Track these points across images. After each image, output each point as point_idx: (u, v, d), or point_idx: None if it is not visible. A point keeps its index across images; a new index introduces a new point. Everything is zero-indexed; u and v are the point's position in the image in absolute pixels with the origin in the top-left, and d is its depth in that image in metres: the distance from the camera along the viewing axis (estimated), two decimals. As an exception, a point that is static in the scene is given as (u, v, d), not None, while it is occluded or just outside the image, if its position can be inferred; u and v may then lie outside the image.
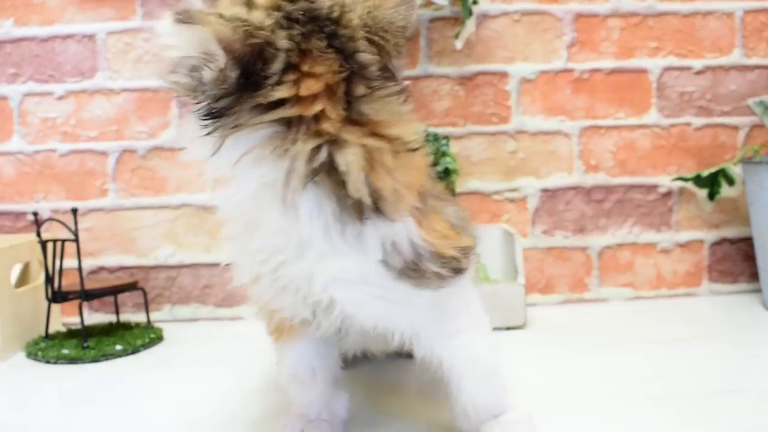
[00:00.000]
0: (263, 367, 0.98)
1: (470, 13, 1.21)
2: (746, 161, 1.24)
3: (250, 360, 1.02)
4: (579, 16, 1.30)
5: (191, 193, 1.29)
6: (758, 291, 1.29)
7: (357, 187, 0.53)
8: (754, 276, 1.33)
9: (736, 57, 1.33)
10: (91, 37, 1.28)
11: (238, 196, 0.56)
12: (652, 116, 1.32)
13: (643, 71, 1.32)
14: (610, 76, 1.31)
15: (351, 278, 0.57)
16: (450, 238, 0.61)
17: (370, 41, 0.55)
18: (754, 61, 1.33)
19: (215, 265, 1.29)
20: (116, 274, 1.29)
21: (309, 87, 0.52)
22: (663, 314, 1.24)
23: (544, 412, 0.74)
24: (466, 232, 0.64)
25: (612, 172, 1.32)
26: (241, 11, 0.52)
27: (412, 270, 0.59)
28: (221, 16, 0.51)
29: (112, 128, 1.29)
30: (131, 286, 1.18)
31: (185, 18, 0.51)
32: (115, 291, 1.16)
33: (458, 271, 0.62)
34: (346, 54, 0.54)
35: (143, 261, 1.30)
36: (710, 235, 1.35)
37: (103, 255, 1.29)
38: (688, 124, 1.33)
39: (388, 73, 0.57)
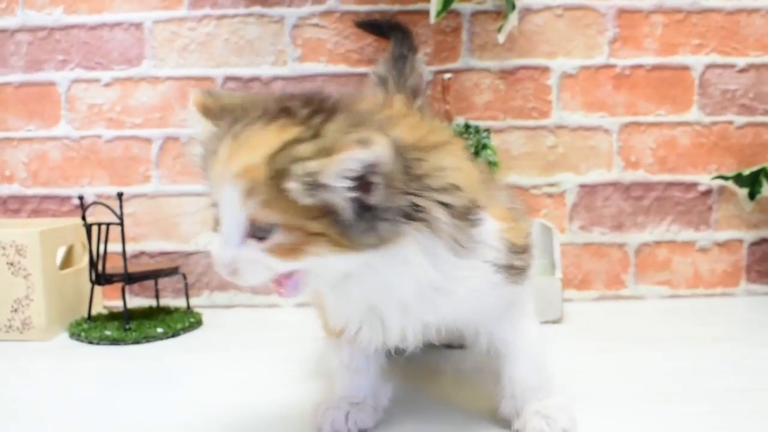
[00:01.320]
0: (300, 353, 1.00)
1: (513, 6, 1.21)
2: (789, 161, 1.22)
3: (287, 346, 1.03)
4: (622, 12, 1.30)
5: (232, 181, 1.30)
6: (797, 292, 1.28)
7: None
8: (793, 277, 1.32)
9: (780, 55, 1.32)
10: (138, 25, 1.30)
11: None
12: (693, 114, 1.31)
13: (685, 68, 1.31)
14: (652, 72, 1.31)
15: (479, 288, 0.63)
16: (515, 227, 0.66)
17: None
18: (799, 60, 1.32)
19: (254, 252, 1.31)
20: (157, 259, 1.32)
21: None
22: (699, 313, 1.23)
23: (578, 404, 0.74)
24: (521, 215, 0.68)
25: (651, 169, 1.31)
26: None
27: (505, 266, 0.64)
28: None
29: (156, 115, 1.31)
30: (173, 271, 1.20)
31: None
32: (156, 275, 1.18)
33: (530, 260, 0.68)
34: None
35: (183, 247, 1.32)
36: (749, 235, 1.33)
37: (144, 240, 1.32)
38: (730, 123, 1.32)
39: None
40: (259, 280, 0.61)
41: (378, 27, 1.18)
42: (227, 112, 0.61)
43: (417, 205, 0.56)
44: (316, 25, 1.29)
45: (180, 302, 1.26)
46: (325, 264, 0.57)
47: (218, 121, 0.60)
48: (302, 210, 0.55)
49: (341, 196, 0.54)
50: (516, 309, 0.70)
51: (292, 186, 0.53)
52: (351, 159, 0.52)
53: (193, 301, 1.30)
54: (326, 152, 0.53)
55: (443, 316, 0.65)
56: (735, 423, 0.73)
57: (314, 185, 0.53)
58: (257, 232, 0.57)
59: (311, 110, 0.57)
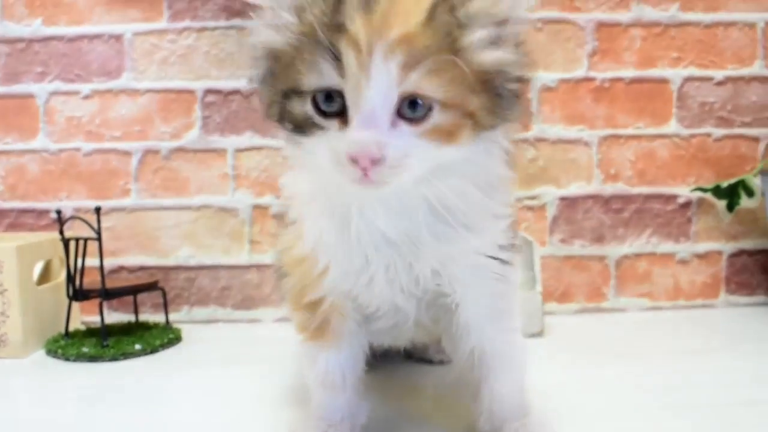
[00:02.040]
0: (280, 369, 0.99)
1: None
2: (766, 173, 1.23)
3: (268, 362, 1.02)
4: (601, 25, 1.31)
5: (212, 195, 1.30)
6: (776, 303, 1.29)
7: None
8: (772, 288, 1.33)
9: (757, 68, 1.33)
10: (118, 37, 1.30)
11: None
12: (672, 126, 1.32)
13: (664, 81, 1.32)
14: (631, 85, 1.32)
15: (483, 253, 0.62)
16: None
17: None
18: (775, 72, 1.33)
19: (234, 267, 1.30)
20: (136, 273, 1.31)
21: None
22: (680, 325, 1.23)
23: (560, 420, 0.74)
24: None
25: (631, 182, 1.32)
26: None
27: (502, 246, 0.64)
28: None
29: (136, 128, 1.30)
30: (151, 286, 1.19)
31: None
32: (135, 290, 1.17)
33: (514, 262, 0.67)
34: None
35: (163, 261, 1.31)
36: (728, 247, 1.34)
37: (123, 254, 1.31)
38: (708, 135, 1.33)
39: None
40: (412, 176, 0.53)
41: None
42: None
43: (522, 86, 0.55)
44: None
45: (159, 317, 1.25)
46: (454, 153, 0.53)
47: None
48: (468, 79, 0.50)
49: (510, 49, 0.52)
50: (504, 320, 0.69)
51: (476, 38, 0.50)
52: None
53: (173, 317, 1.29)
54: None
55: (448, 273, 0.63)
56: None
57: (497, 31, 0.51)
58: (409, 113, 0.51)
59: None
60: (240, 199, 1.30)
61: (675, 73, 1.32)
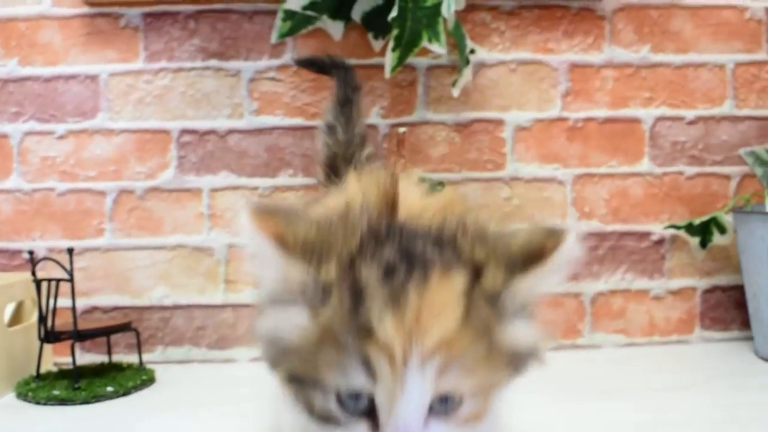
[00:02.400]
0: (255, 410, 0.98)
1: (467, 62, 1.23)
2: (737, 210, 1.25)
3: (242, 403, 1.01)
4: (574, 66, 1.33)
5: (187, 235, 1.29)
6: (750, 339, 1.30)
7: None
8: (745, 324, 1.33)
9: (727, 108, 1.35)
10: (93, 77, 1.30)
11: None
12: (644, 165, 1.34)
13: (636, 120, 1.34)
14: (604, 125, 1.34)
15: None
16: None
17: None
18: (745, 112, 1.36)
19: (209, 306, 1.29)
20: (110, 314, 1.29)
21: None
22: (655, 361, 1.24)
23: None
24: None
25: (605, 220, 1.33)
26: None
27: None
28: None
29: (111, 168, 1.30)
30: (124, 327, 1.18)
31: None
32: (108, 332, 1.16)
33: None
34: None
35: (137, 301, 1.30)
36: (702, 283, 1.36)
37: (97, 294, 1.29)
38: (681, 173, 1.35)
39: None
40: None
41: (319, 64, 1.14)
42: (308, 248, 0.48)
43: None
44: (273, 78, 1.30)
45: (133, 358, 1.23)
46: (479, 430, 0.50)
47: (298, 258, 0.48)
48: (501, 364, 0.49)
49: (536, 327, 0.50)
50: None
51: (515, 327, 0.48)
52: (568, 249, 0.49)
53: (147, 357, 1.27)
54: (516, 266, 0.49)
55: None
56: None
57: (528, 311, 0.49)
58: (441, 410, 0.47)
59: (432, 243, 0.50)
60: (215, 239, 1.29)
61: (647, 113, 1.34)
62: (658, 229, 1.34)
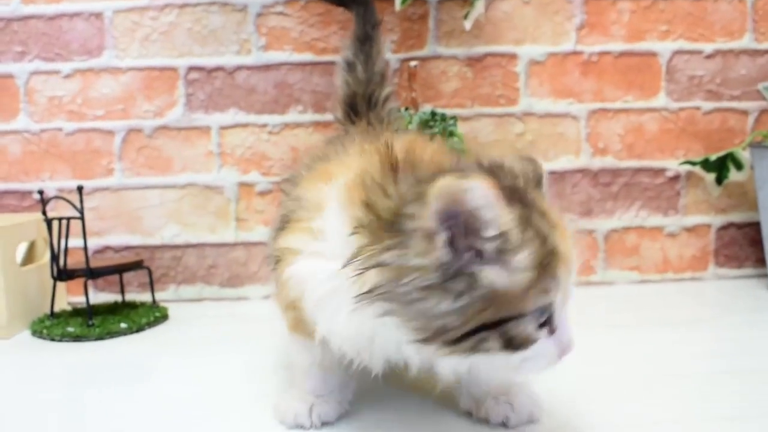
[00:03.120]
0: (267, 346, 0.98)
1: None
2: (755, 146, 1.23)
3: (254, 339, 1.02)
4: (589, -2, 1.30)
5: (197, 173, 1.28)
6: (764, 276, 1.29)
7: None
8: (760, 261, 1.33)
9: (746, 41, 1.32)
10: (98, 15, 1.28)
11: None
12: (660, 100, 1.31)
13: (652, 54, 1.31)
14: (620, 59, 1.31)
15: None
16: None
17: None
18: (764, 46, 1.32)
19: (220, 245, 1.29)
20: (122, 253, 1.29)
21: None
22: (668, 298, 1.23)
23: (548, 389, 0.74)
24: None
25: (620, 156, 1.31)
26: None
27: None
28: None
29: (119, 107, 1.28)
30: (136, 265, 1.18)
31: None
32: (120, 270, 1.16)
33: None
34: None
35: (149, 240, 1.29)
36: (717, 220, 1.34)
37: (108, 234, 1.29)
38: (698, 108, 1.32)
39: None
40: None
41: None
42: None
43: None
44: (281, 13, 1.27)
45: (146, 297, 1.24)
46: None
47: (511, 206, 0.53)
48: None
49: None
50: None
51: None
52: None
53: (160, 296, 1.28)
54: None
55: None
56: (706, 405, 0.73)
57: None
58: None
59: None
60: (225, 177, 1.28)
61: (664, 47, 1.31)
62: (673, 165, 1.32)
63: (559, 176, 1.31)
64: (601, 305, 1.19)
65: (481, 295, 0.52)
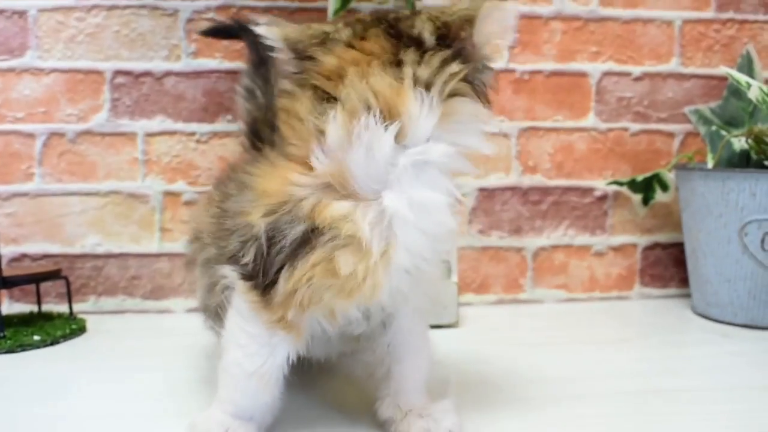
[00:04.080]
0: (188, 362, 0.95)
1: (413, 8, 1.20)
2: (680, 168, 1.25)
3: (175, 355, 0.99)
4: (522, 17, 1.31)
5: (121, 181, 1.25)
6: (688, 296, 1.32)
7: None
8: (684, 281, 1.35)
9: (674, 65, 1.35)
10: (21, 13, 1.23)
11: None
12: (590, 120, 1.33)
13: (583, 75, 1.33)
14: (551, 78, 1.32)
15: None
16: None
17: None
18: (690, 70, 1.35)
19: (144, 255, 1.25)
20: (40, 262, 1.24)
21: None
22: (595, 317, 1.24)
23: (471, 409, 0.74)
24: None
25: (549, 174, 1.33)
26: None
27: None
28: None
29: (40, 110, 1.24)
30: (53, 275, 1.14)
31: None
32: (36, 279, 1.11)
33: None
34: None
35: (69, 249, 1.25)
36: (643, 240, 1.36)
37: (26, 242, 1.24)
38: (625, 129, 1.34)
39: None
40: None
41: (226, 31, 1.07)
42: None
43: None
44: (212, 19, 1.24)
45: (65, 308, 1.19)
46: None
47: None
48: None
49: None
50: (422, 309, 0.72)
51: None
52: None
53: (79, 307, 1.23)
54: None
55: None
56: (629, 425, 0.74)
57: None
58: None
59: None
60: (150, 186, 1.25)
61: (594, 68, 1.33)
62: (601, 185, 1.34)
63: (489, 194, 1.31)
64: (529, 323, 1.20)
65: None
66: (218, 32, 1.09)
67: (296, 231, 0.60)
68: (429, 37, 0.63)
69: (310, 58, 0.65)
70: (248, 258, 0.64)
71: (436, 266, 0.67)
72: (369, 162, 0.60)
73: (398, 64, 0.62)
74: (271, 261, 0.62)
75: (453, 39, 0.64)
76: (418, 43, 0.63)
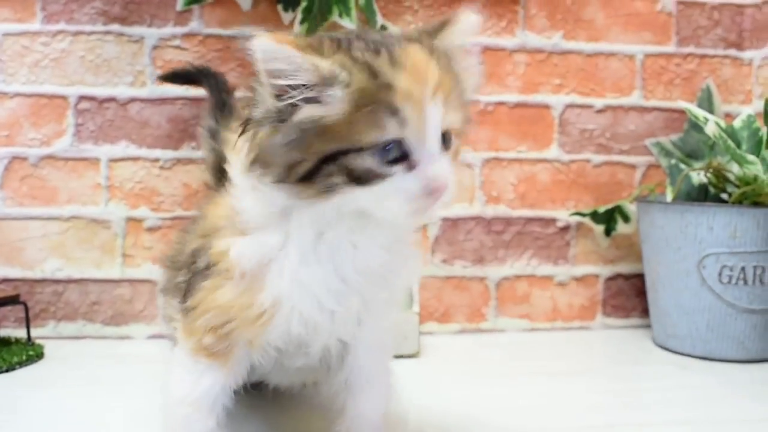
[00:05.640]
0: (147, 389, 0.94)
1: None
2: (641, 199, 1.27)
3: (136, 381, 0.98)
4: (486, 49, 1.32)
5: (83, 205, 1.24)
6: (648, 326, 1.33)
7: None
8: (645, 312, 1.36)
9: (635, 98, 1.37)
10: (-15, 38, 1.23)
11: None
12: (553, 151, 1.35)
13: (546, 107, 1.35)
14: (515, 109, 1.34)
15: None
16: None
17: None
18: (652, 103, 1.38)
19: (105, 281, 1.24)
20: (-1, 286, 1.23)
21: None
22: (557, 347, 1.25)
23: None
24: None
25: (512, 205, 1.34)
26: None
27: None
28: None
29: (3, 133, 1.23)
30: (12, 300, 1.13)
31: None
32: (-7, 304, 1.10)
33: None
34: None
35: (28, 274, 1.24)
36: (605, 270, 1.38)
37: (-15, 266, 1.23)
38: (588, 161, 1.36)
39: None
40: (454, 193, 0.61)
41: (185, 76, 1.11)
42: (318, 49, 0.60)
43: None
44: (178, 47, 1.25)
45: (23, 333, 1.18)
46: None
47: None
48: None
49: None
50: (386, 341, 0.72)
51: (463, 66, 0.62)
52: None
53: (38, 332, 1.22)
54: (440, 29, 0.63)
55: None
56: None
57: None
58: (444, 146, 0.59)
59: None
60: (113, 211, 1.24)
61: (557, 100, 1.35)
62: (563, 215, 1.35)
63: (452, 223, 1.32)
64: (492, 353, 1.20)
65: (305, 128, 0.56)
66: (178, 77, 1.12)
67: (206, 257, 0.65)
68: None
69: None
70: (182, 278, 0.67)
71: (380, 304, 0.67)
72: (247, 199, 0.63)
73: None
74: (191, 282, 0.66)
75: None
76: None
